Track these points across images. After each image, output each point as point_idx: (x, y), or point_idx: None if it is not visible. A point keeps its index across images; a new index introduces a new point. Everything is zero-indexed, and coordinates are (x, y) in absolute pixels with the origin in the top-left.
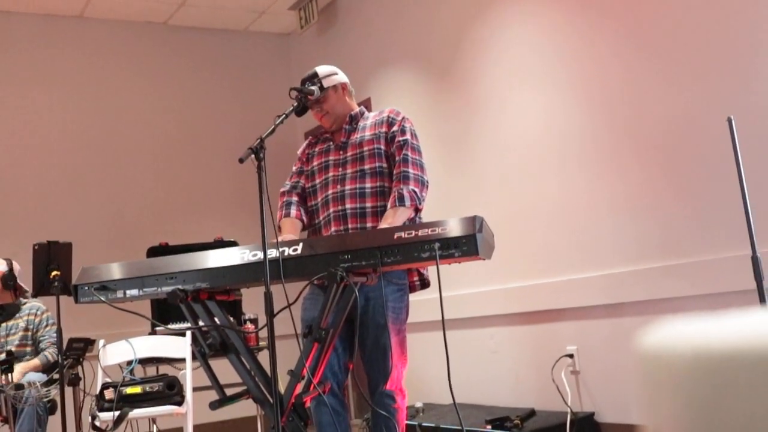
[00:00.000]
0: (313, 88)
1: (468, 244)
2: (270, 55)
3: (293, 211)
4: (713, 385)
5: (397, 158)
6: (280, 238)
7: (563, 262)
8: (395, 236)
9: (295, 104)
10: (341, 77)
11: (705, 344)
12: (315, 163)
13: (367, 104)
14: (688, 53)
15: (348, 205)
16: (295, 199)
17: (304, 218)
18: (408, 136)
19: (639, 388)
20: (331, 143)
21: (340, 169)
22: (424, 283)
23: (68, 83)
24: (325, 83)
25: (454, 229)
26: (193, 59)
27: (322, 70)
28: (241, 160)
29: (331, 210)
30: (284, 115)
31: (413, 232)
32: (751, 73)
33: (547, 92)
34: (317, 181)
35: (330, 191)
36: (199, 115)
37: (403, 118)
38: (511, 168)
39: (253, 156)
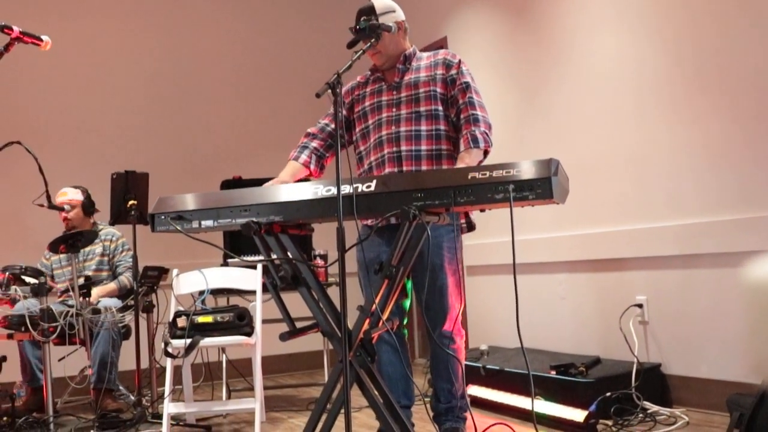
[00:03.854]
0: (390, 24)
1: (543, 187)
2: None
3: (303, 156)
4: None
5: (461, 101)
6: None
7: (637, 210)
8: (469, 176)
9: (373, 40)
10: (399, 14)
11: None
12: (367, 104)
13: (443, 43)
14: None
15: (403, 147)
16: (313, 144)
17: (312, 166)
18: (468, 79)
19: (746, 318)
20: (383, 83)
21: (394, 110)
22: (471, 226)
23: (145, 17)
24: (381, 20)
25: (529, 171)
26: None
27: (379, 4)
28: (317, 95)
29: (386, 151)
30: (362, 51)
31: (487, 173)
32: None
33: (626, 37)
34: (370, 122)
35: (384, 132)
36: (274, 48)
37: (459, 60)
38: (589, 113)
39: (329, 91)
